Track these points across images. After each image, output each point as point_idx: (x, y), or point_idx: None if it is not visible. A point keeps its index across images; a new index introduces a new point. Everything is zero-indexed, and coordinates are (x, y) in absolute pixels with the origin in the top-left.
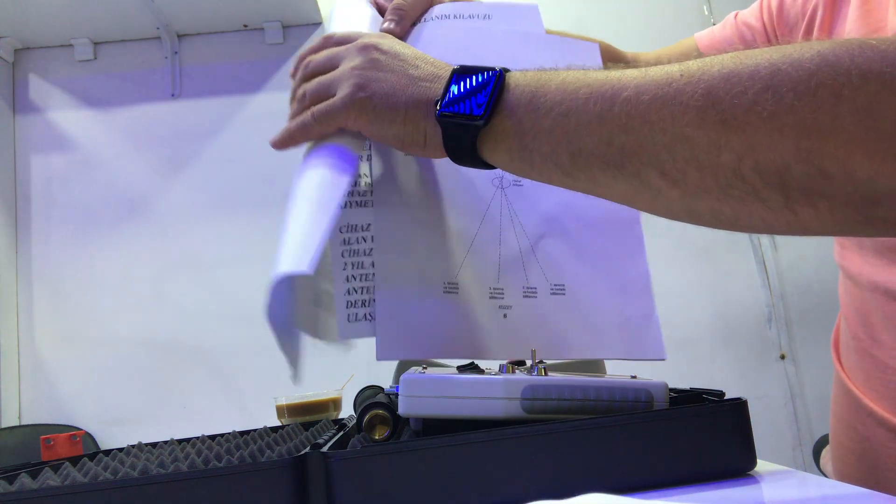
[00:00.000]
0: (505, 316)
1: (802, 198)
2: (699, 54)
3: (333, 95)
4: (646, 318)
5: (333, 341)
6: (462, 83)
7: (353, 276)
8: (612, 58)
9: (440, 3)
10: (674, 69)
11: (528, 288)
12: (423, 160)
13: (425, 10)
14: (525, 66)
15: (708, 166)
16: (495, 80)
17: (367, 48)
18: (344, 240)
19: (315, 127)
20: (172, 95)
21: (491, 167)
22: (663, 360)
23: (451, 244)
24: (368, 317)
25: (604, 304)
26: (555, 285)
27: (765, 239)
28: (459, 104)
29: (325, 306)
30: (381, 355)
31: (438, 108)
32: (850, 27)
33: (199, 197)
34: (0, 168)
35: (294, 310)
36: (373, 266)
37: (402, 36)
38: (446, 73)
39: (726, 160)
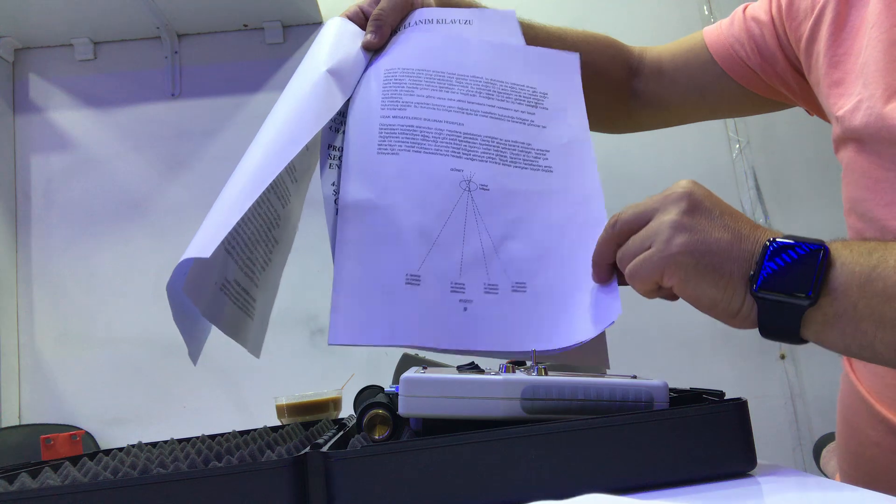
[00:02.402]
0: (465, 309)
1: None
2: (706, 51)
3: (649, 250)
4: (607, 293)
5: (253, 351)
6: (782, 258)
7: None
8: (616, 51)
9: (422, 6)
10: None
11: (489, 285)
12: (389, 157)
13: (406, 16)
14: (503, 77)
15: None
16: (820, 257)
17: (678, 201)
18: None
19: (635, 286)
20: (172, 95)
21: (804, 341)
22: (612, 321)
23: (415, 239)
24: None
25: (566, 301)
26: (516, 283)
27: None
28: (783, 284)
29: (253, 315)
30: (334, 339)
31: (753, 284)
32: (874, 20)
33: (199, 197)
34: (0, 168)
35: (201, 295)
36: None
37: (384, 44)
38: (758, 242)
39: None
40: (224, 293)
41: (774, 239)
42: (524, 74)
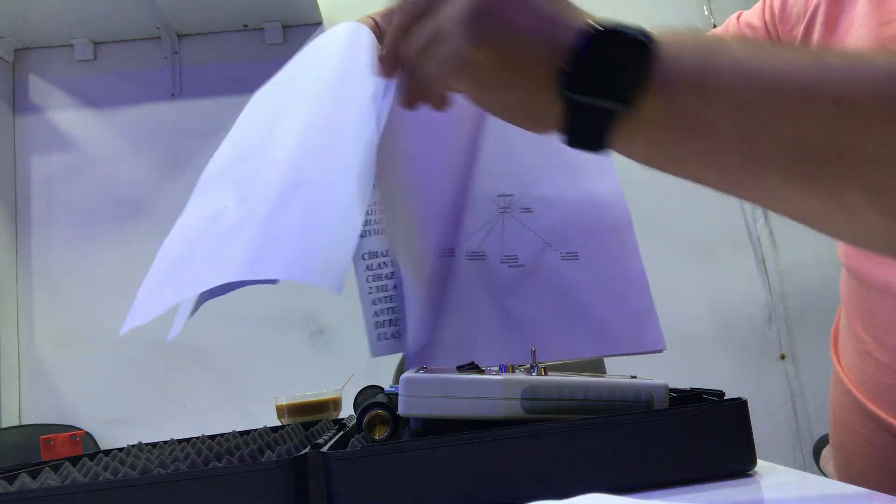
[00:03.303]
0: (510, 324)
1: None
2: None
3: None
4: (646, 312)
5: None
6: (598, 53)
7: (378, 298)
8: None
9: None
10: None
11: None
12: (427, 192)
13: None
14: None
15: None
16: (643, 52)
17: None
18: (367, 266)
19: (441, 86)
20: (172, 95)
21: (605, 149)
22: (663, 350)
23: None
24: (396, 335)
25: (604, 306)
26: (558, 293)
27: (765, 239)
28: (595, 86)
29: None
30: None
31: (564, 85)
32: (862, 19)
33: None
34: (0, 168)
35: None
36: (394, 288)
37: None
38: (575, 23)
39: None
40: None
41: (592, 26)
42: None
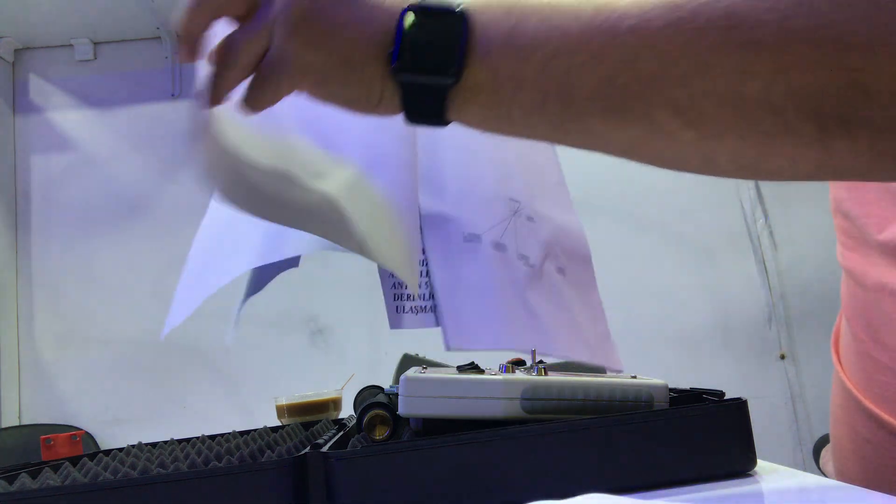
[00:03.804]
0: (532, 315)
1: (839, 128)
2: None
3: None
4: (608, 336)
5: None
6: (420, 33)
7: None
8: None
9: None
10: None
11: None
12: (452, 180)
13: None
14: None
15: (731, 98)
16: (461, 25)
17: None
18: None
19: (271, 91)
20: (172, 95)
21: (443, 124)
22: (623, 370)
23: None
24: (414, 310)
25: (584, 320)
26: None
27: (765, 239)
28: (423, 63)
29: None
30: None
31: (391, 62)
32: None
33: (199, 197)
34: (0, 168)
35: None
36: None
37: None
38: (390, 16)
39: (753, 89)
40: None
41: (409, 6)
42: None
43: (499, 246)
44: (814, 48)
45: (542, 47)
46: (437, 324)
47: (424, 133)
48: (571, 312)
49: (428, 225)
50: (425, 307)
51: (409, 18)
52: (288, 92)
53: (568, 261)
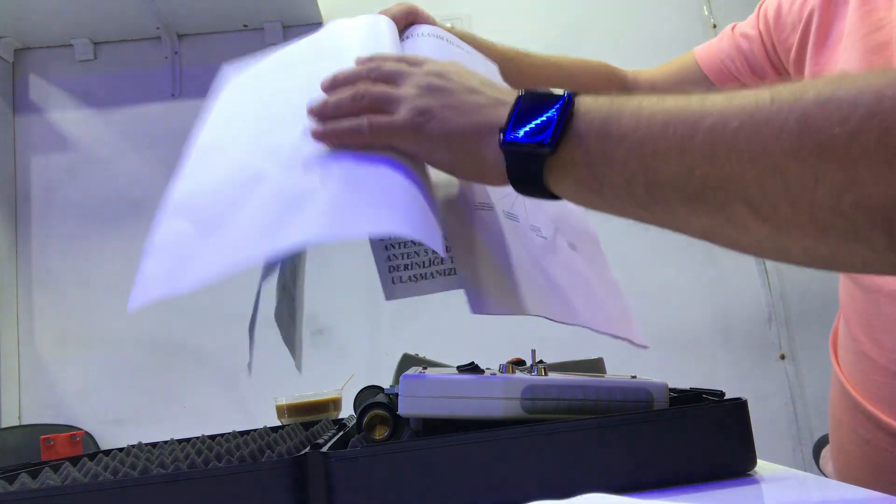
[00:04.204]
0: (550, 282)
1: None
2: (698, 68)
3: (391, 112)
4: (629, 311)
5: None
6: (528, 109)
7: (392, 243)
8: (611, 77)
9: (423, 22)
10: (763, 94)
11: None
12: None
13: (407, 26)
14: None
15: (803, 202)
16: (563, 105)
17: (433, 74)
18: None
19: (367, 138)
20: (172, 95)
21: (557, 197)
22: (647, 347)
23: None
24: (414, 278)
25: (603, 293)
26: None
27: None
28: (526, 133)
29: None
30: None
31: (502, 136)
32: (850, 28)
33: None
34: (0, 168)
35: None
36: None
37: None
38: (511, 98)
39: (824, 195)
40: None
41: (528, 91)
42: None
43: (510, 216)
44: (885, 164)
45: (633, 134)
46: (438, 289)
47: None
48: (589, 285)
49: (439, 193)
50: (426, 274)
51: (521, 98)
52: (390, 143)
53: (578, 238)
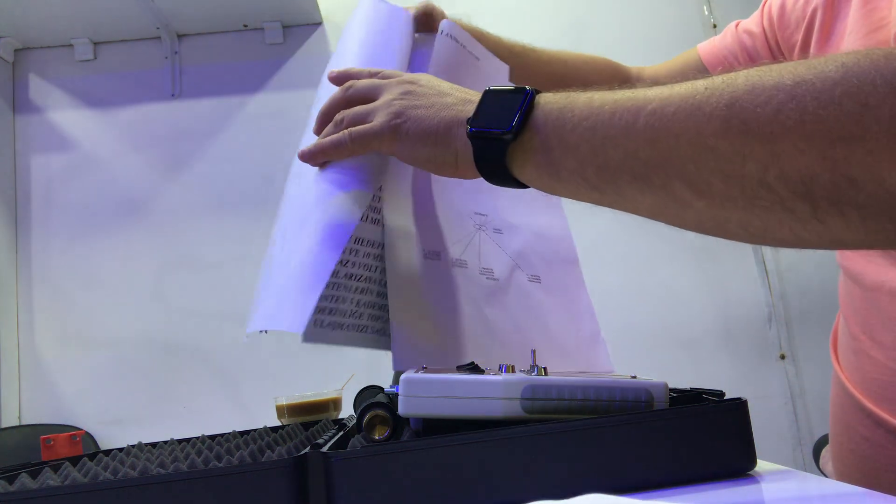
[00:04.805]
0: (489, 331)
1: (831, 207)
2: (701, 64)
3: (369, 122)
4: (596, 338)
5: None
6: (493, 102)
7: (332, 283)
8: (615, 73)
9: (441, 15)
10: (699, 83)
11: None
12: (417, 195)
13: (425, 23)
14: None
15: (733, 176)
16: (524, 98)
17: (405, 83)
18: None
19: (349, 147)
20: (172, 95)
21: (522, 185)
22: (613, 372)
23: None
24: (334, 325)
25: (562, 328)
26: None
27: None
28: (490, 121)
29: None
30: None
31: (469, 126)
32: (851, 27)
33: (199, 197)
34: (0, 168)
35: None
36: (351, 279)
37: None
38: (477, 97)
39: (751, 170)
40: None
41: (493, 88)
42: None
43: (459, 262)
44: (802, 140)
45: (584, 122)
46: (363, 345)
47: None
48: (544, 321)
49: (389, 240)
50: (359, 326)
51: (486, 93)
52: (373, 149)
53: (547, 266)
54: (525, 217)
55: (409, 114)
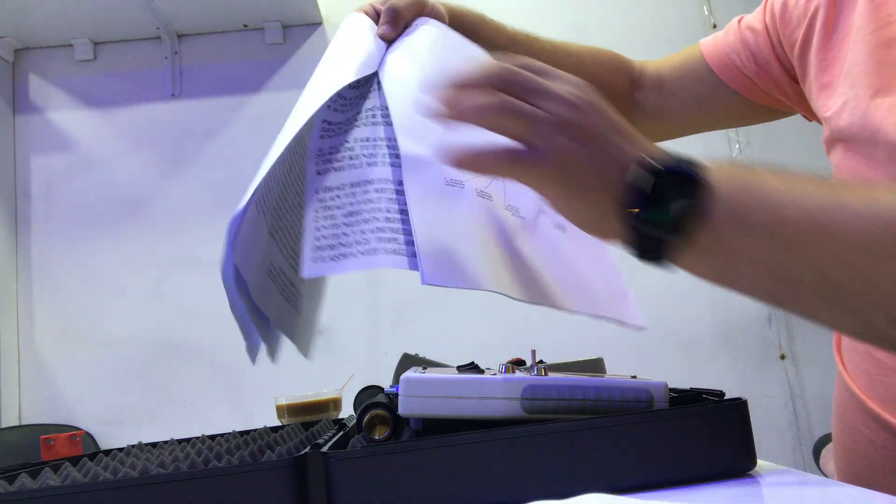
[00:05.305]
0: (520, 261)
1: None
2: (704, 60)
3: (528, 142)
4: (626, 295)
5: (302, 350)
6: (662, 188)
7: (323, 225)
8: (618, 64)
9: (432, 9)
10: None
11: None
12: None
13: (418, 14)
14: None
15: None
16: (698, 191)
17: (570, 104)
18: (320, 198)
19: (505, 171)
20: (172, 95)
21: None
22: (645, 328)
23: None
24: (335, 258)
25: (592, 276)
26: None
27: None
28: (656, 216)
29: (300, 310)
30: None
31: (633, 211)
32: (859, 23)
33: (199, 197)
34: (0, 168)
35: (250, 272)
36: (347, 216)
37: (396, 38)
38: (647, 158)
39: None
40: (271, 280)
41: (650, 166)
42: None
43: (483, 194)
44: None
45: (765, 228)
46: (368, 266)
47: (406, 84)
48: (575, 267)
49: (407, 167)
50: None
51: (650, 174)
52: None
53: None
54: None
55: (572, 163)
